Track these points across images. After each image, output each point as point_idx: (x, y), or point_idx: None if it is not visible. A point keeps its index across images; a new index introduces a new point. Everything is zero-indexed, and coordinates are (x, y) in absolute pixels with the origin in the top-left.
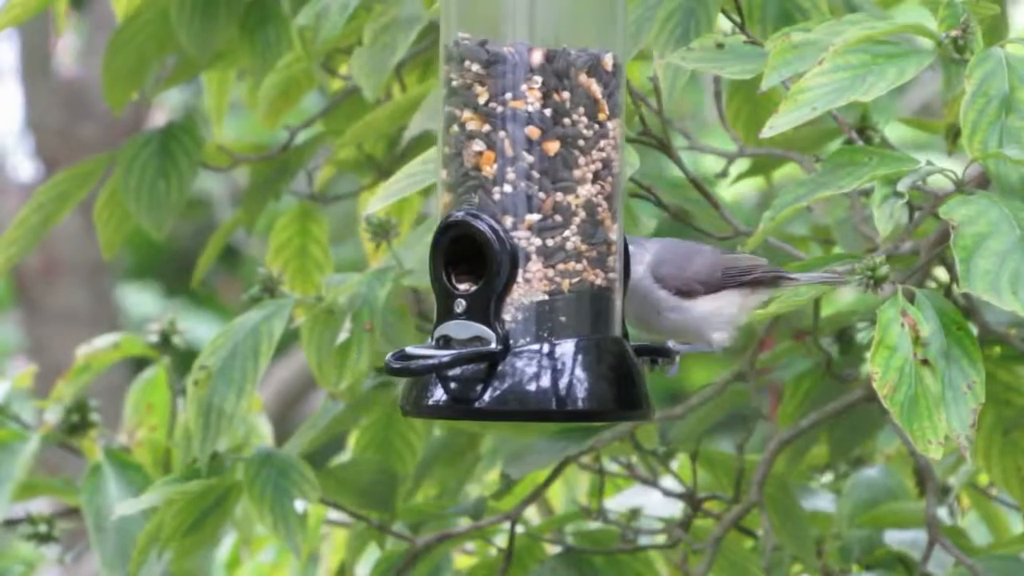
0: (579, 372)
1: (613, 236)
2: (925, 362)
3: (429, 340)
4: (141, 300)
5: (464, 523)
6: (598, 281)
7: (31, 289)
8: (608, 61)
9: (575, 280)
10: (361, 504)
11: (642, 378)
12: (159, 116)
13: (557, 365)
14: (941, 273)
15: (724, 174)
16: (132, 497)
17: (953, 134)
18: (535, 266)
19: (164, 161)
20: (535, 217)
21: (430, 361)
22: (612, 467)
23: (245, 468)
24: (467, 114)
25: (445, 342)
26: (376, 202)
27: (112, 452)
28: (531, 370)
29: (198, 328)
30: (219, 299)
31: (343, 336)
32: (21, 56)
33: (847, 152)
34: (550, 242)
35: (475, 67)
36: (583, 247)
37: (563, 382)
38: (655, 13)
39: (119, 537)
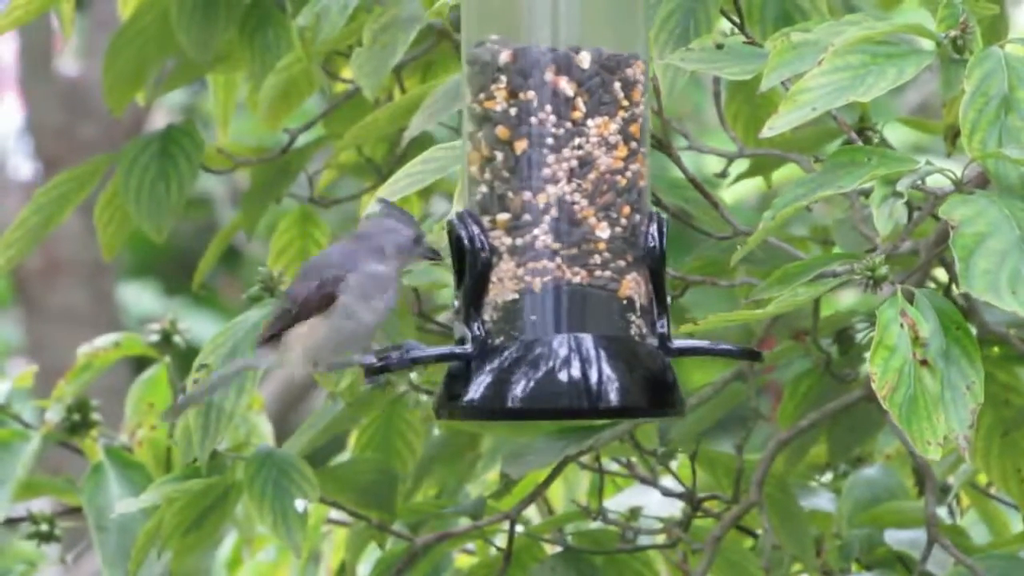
0: (548, 372)
1: (603, 234)
2: (924, 362)
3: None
4: (141, 299)
5: (464, 523)
6: (576, 280)
7: (31, 289)
8: (584, 58)
9: (546, 279)
10: (361, 504)
11: (625, 376)
12: (159, 117)
13: (527, 364)
14: (941, 274)
15: (724, 175)
16: (133, 496)
17: (952, 134)
18: (506, 265)
19: (164, 163)
20: (505, 216)
21: (400, 358)
22: (612, 467)
23: (245, 467)
24: (465, 114)
25: (460, 341)
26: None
27: (113, 451)
28: (503, 369)
29: (198, 327)
30: (219, 299)
31: None
32: (21, 56)
33: (847, 152)
34: (519, 241)
35: (466, 68)
36: (556, 245)
37: (526, 381)
38: (655, 13)
39: (120, 536)
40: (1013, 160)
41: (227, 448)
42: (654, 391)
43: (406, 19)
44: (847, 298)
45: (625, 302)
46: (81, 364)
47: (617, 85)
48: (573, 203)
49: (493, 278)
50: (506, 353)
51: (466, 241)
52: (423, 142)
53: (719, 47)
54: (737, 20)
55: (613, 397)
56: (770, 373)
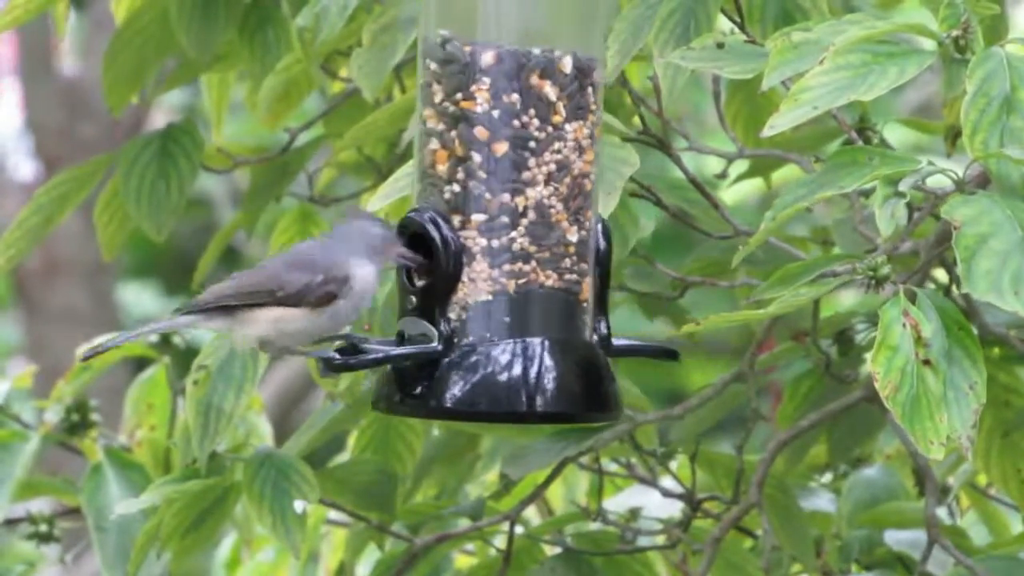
0: (517, 373)
1: (572, 238)
2: (927, 362)
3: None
4: (141, 299)
5: (464, 524)
6: (550, 283)
7: (31, 289)
8: (566, 63)
9: (521, 281)
10: (360, 505)
11: (601, 381)
12: (159, 117)
13: (493, 366)
14: (941, 274)
15: (724, 175)
16: (133, 497)
17: (953, 135)
18: (480, 266)
19: (164, 163)
20: (481, 217)
21: (371, 357)
22: (612, 467)
23: (244, 468)
24: (427, 111)
25: (401, 338)
26: (376, 200)
27: (113, 452)
28: (471, 369)
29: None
30: None
31: None
32: (21, 56)
33: (848, 152)
34: (495, 243)
35: (433, 65)
36: (532, 248)
37: (502, 383)
38: (655, 12)
39: (120, 537)
40: (1015, 160)
41: (226, 449)
42: (602, 394)
43: (405, 19)
44: (847, 299)
45: (584, 304)
46: (80, 364)
47: (589, 89)
48: (550, 206)
49: (464, 278)
50: (479, 354)
51: (439, 241)
52: None
53: (720, 46)
54: (737, 20)
55: (571, 402)
56: (770, 374)
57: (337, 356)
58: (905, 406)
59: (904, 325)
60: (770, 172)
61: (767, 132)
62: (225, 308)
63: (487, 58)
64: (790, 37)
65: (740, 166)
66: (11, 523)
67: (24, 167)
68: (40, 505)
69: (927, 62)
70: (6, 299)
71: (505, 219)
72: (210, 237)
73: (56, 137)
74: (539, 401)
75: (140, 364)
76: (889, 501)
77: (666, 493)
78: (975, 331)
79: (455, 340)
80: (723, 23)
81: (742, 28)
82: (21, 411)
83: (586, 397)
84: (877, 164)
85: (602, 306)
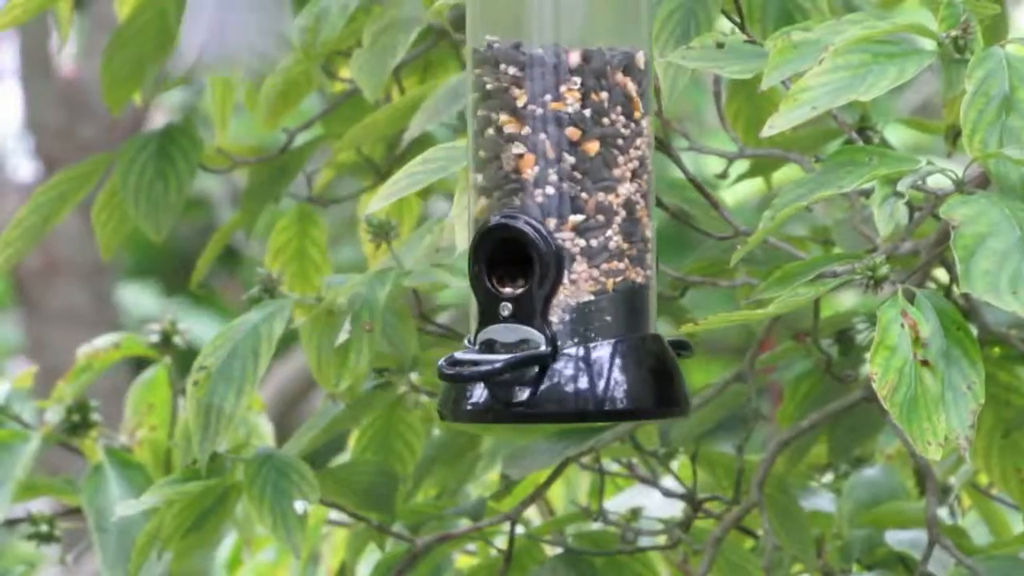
0: (622, 372)
1: (649, 233)
2: (925, 363)
3: (466, 344)
4: (141, 300)
5: (464, 524)
6: (639, 279)
7: (31, 289)
8: (640, 59)
9: (619, 279)
10: (361, 505)
11: (680, 374)
12: (159, 117)
13: (603, 365)
14: (941, 274)
15: (724, 175)
16: (134, 497)
17: (953, 135)
18: (580, 267)
19: (163, 163)
20: (578, 218)
21: (484, 367)
22: (613, 467)
23: (245, 469)
24: (504, 117)
25: (489, 347)
26: (377, 201)
27: (113, 452)
28: (579, 371)
29: (198, 328)
30: (219, 300)
31: (343, 337)
32: (21, 56)
33: (847, 151)
34: (594, 242)
35: (511, 70)
36: (625, 245)
37: (609, 382)
38: (655, 12)
39: (120, 537)
40: (1014, 160)
41: (227, 449)
42: (683, 391)
43: (406, 20)
44: (848, 299)
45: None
46: (81, 365)
47: (650, 85)
48: (636, 203)
49: (565, 280)
50: (587, 355)
51: (540, 244)
52: (423, 142)
53: (720, 46)
54: (737, 20)
55: (682, 398)
56: (771, 374)
57: (447, 367)
58: (903, 406)
59: (902, 325)
60: (771, 172)
61: (766, 132)
62: None
63: (575, 58)
64: (790, 37)
65: (741, 166)
66: (11, 523)
67: (24, 167)
68: (40, 505)
69: (927, 62)
70: (6, 299)
71: (601, 218)
72: (209, 239)
73: (56, 137)
74: (647, 400)
75: (141, 364)
76: (890, 501)
77: (667, 493)
78: (974, 331)
79: (559, 344)
80: (723, 24)
81: (742, 28)
82: (21, 411)
83: (675, 393)
84: (876, 164)
85: None
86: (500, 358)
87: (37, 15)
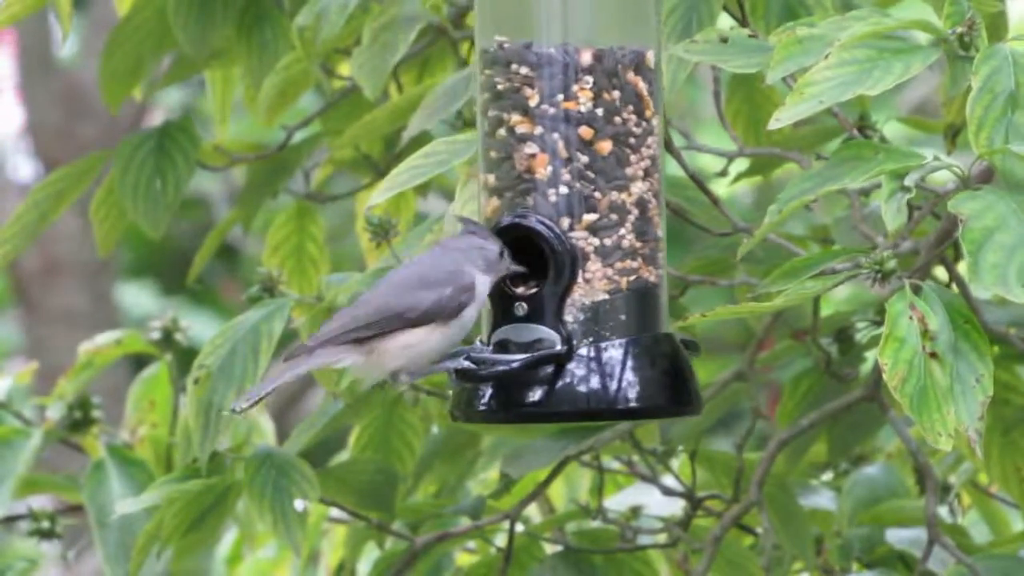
0: (636, 372)
1: (660, 232)
2: (934, 355)
3: (476, 344)
4: (140, 300)
5: (464, 522)
6: (651, 278)
7: (31, 289)
8: (650, 58)
9: (632, 278)
10: (360, 504)
11: (693, 373)
12: (158, 116)
13: (617, 365)
14: (941, 274)
15: (724, 173)
16: (134, 494)
17: (952, 133)
18: (594, 266)
19: (161, 160)
20: (592, 217)
21: (501, 367)
22: (613, 465)
23: (245, 467)
24: (516, 117)
25: (503, 347)
26: (378, 195)
27: (114, 449)
28: (594, 370)
29: (197, 327)
30: (218, 299)
31: None
32: (21, 56)
33: (853, 147)
34: (607, 241)
35: (523, 70)
36: (638, 244)
37: (623, 382)
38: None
39: (121, 534)
40: (1020, 156)
41: (228, 447)
42: (695, 389)
43: (405, 18)
44: (839, 294)
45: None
46: (82, 362)
47: (660, 84)
48: (648, 201)
49: (579, 279)
50: (602, 354)
51: (554, 243)
52: (421, 139)
53: (724, 40)
54: (740, 16)
55: (695, 397)
56: (770, 372)
57: (470, 366)
58: (913, 398)
59: (911, 318)
60: (770, 171)
61: (773, 125)
62: (355, 341)
63: (586, 57)
64: (795, 32)
65: (740, 164)
66: (12, 520)
67: (24, 167)
68: (42, 502)
69: (932, 58)
70: (6, 299)
71: (615, 217)
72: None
73: (56, 137)
74: (662, 399)
75: (141, 362)
76: (890, 499)
77: (667, 491)
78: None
79: (574, 342)
80: (725, 20)
81: (745, 24)
82: (22, 408)
83: (689, 392)
84: (882, 159)
85: None
86: (517, 357)
87: (36, 14)
